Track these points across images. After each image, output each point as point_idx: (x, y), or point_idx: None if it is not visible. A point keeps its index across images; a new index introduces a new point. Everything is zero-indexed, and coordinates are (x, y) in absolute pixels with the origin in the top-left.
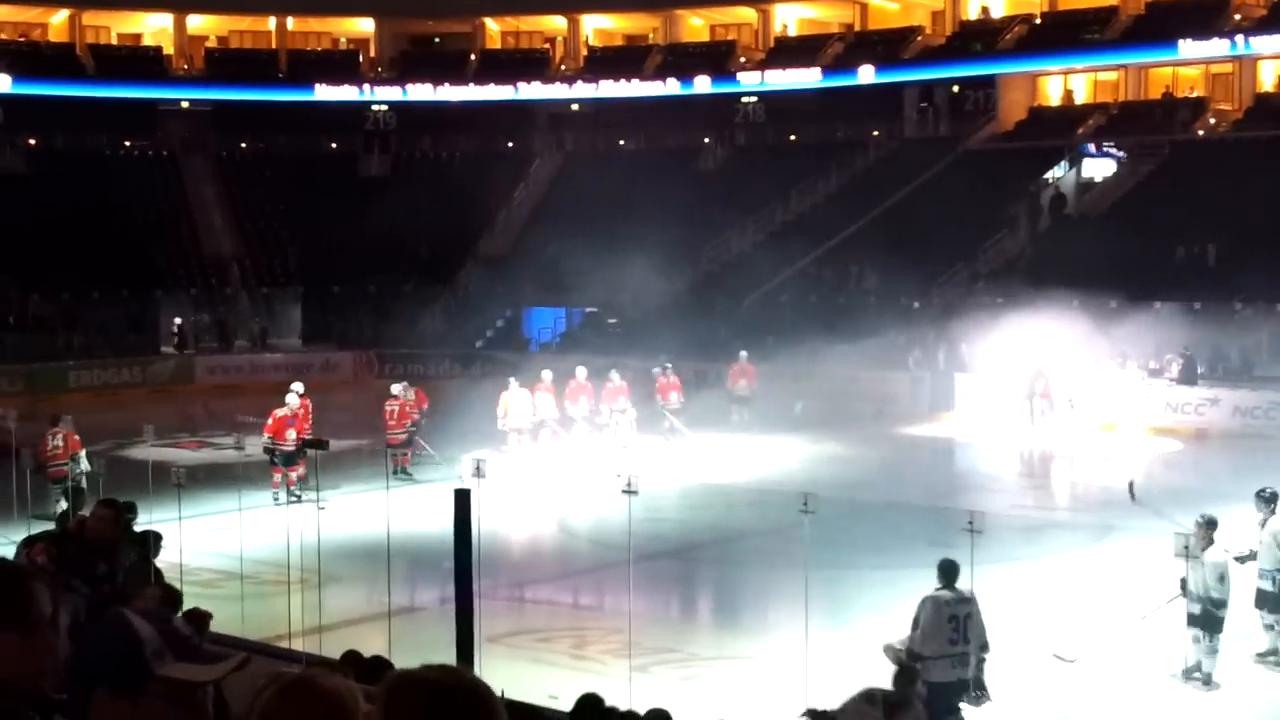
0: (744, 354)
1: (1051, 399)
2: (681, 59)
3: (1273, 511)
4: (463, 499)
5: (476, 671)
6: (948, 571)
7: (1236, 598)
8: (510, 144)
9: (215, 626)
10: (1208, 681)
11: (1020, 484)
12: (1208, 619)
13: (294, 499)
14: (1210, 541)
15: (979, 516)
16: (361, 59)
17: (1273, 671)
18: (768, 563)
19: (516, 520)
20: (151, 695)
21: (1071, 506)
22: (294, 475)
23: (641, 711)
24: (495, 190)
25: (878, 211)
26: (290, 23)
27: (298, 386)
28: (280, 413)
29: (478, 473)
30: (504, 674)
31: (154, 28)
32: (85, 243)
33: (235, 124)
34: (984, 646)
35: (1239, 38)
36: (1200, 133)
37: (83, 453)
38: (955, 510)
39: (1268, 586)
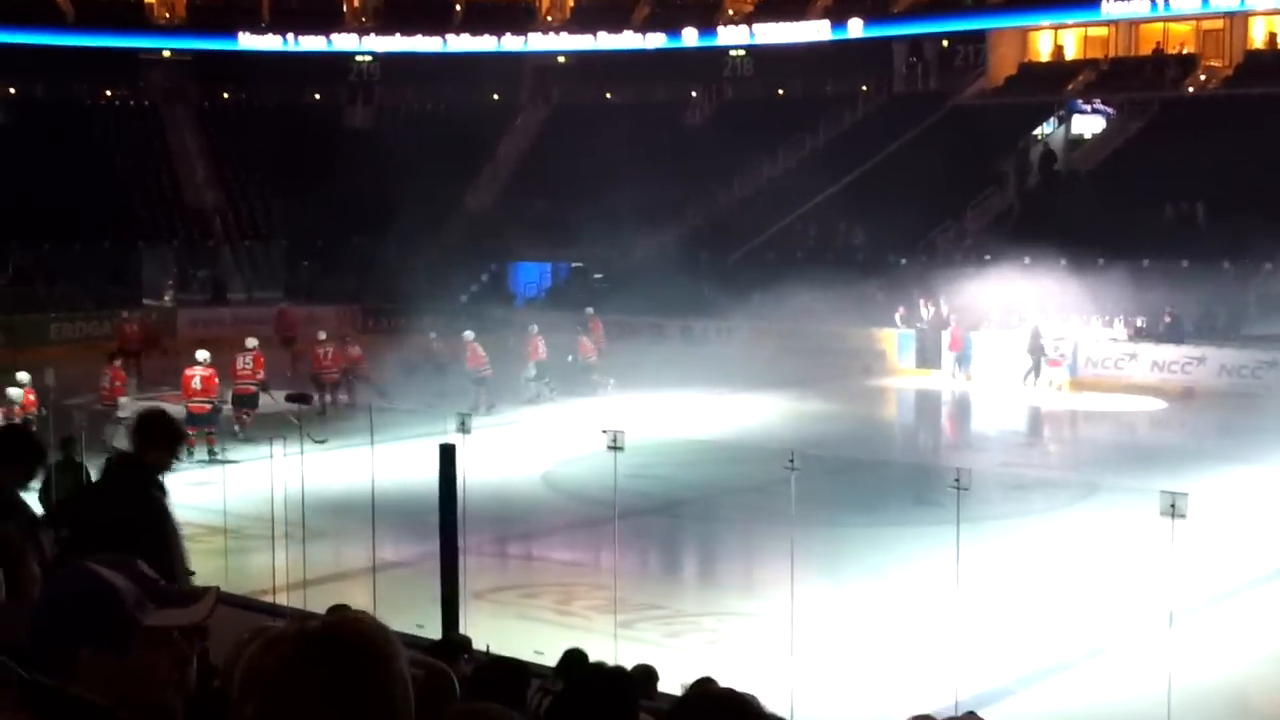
0: (590, 310)
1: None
2: (669, 11)
3: None
4: (447, 454)
5: (462, 627)
6: None
7: None
8: (495, 96)
9: (198, 581)
10: None
11: (1008, 441)
12: None
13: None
14: None
15: (965, 474)
16: (345, 9)
17: None
18: (753, 519)
19: (501, 475)
20: (138, 647)
21: (1058, 464)
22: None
23: (627, 667)
24: (480, 143)
25: (866, 167)
26: None
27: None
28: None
29: (463, 427)
30: (489, 629)
31: None
32: (66, 194)
33: (217, 74)
34: None
35: None
36: (1190, 90)
37: (32, 413)
38: (942, 467)
39: None
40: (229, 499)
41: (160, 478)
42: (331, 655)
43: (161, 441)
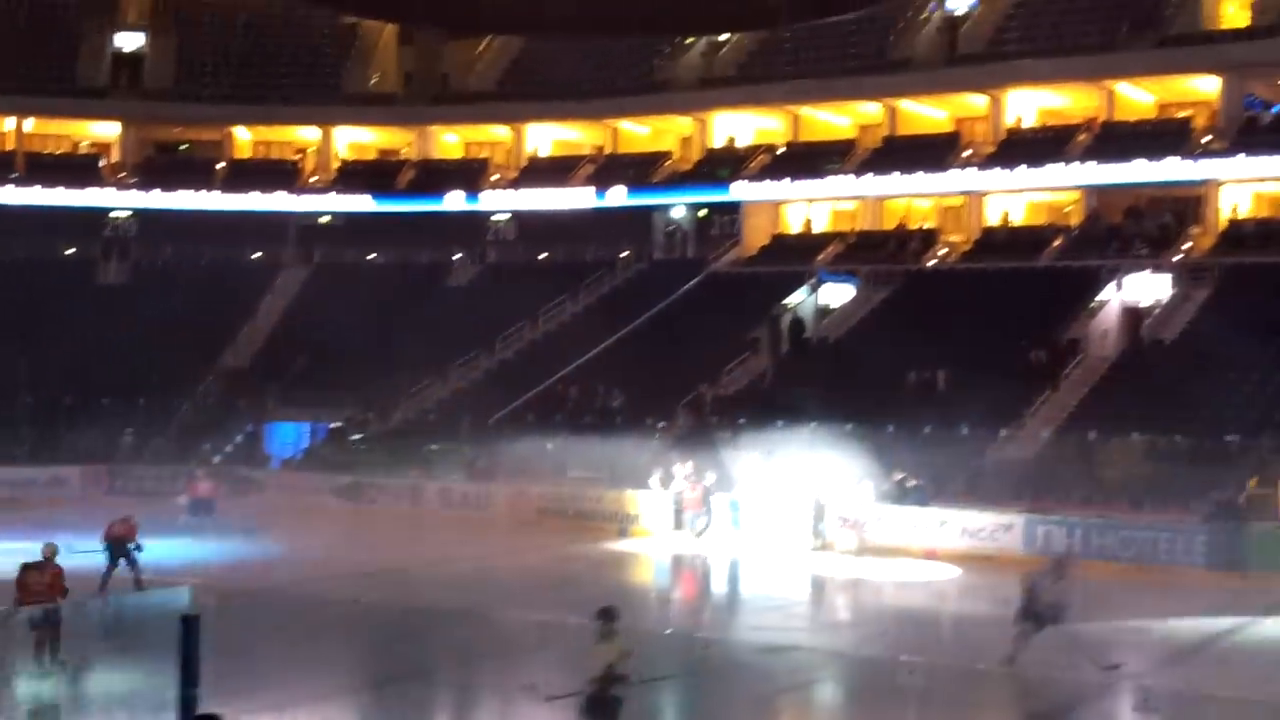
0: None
1: (705, 506)
2: (434, 175)
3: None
4: (190, 626)
5: None
6: None
7: None
8: (257, 254)
9: None
10: None
11: (754, 606)
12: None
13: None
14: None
15: (714, 643)
16: (103, 163)
17: None
18: (500, 689)
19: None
20: None
21: (802, 629)
22: None
23: None
24: (240, 301)
25: (625, 331)
26: (30, 124)
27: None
28: None
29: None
30: None
31: None
32: None
33: None
34: None
35: (968, 172)
36: (931, 263)
37: None
38: (694, 637)
39: None
40: None
41: None
42: None
43: None
